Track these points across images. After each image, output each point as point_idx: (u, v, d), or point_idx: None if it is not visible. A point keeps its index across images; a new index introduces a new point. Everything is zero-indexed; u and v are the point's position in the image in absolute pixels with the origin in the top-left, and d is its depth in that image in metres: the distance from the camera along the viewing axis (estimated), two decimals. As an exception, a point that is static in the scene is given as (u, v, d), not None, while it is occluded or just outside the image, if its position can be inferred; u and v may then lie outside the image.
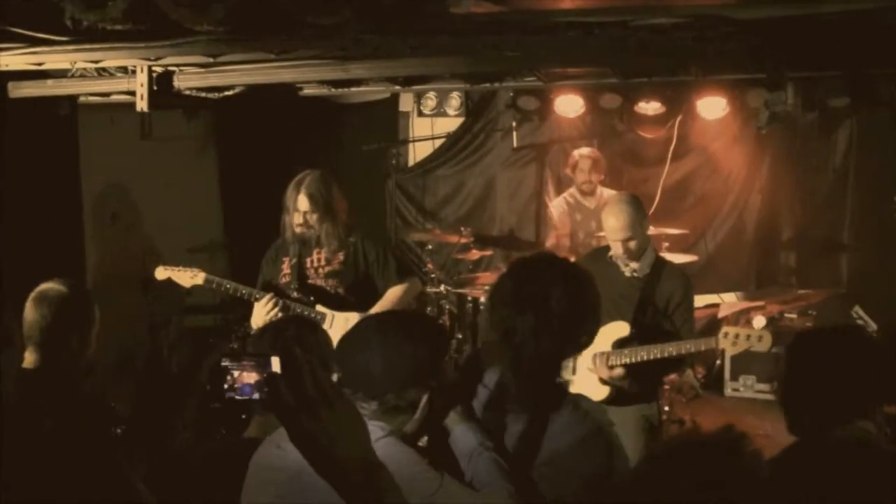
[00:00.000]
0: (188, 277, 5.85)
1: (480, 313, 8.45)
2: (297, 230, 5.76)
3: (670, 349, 5.04)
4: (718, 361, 8.79)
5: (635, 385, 5.15)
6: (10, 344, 3.76)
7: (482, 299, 8.36)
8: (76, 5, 4.70)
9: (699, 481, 1.90)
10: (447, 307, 8.56)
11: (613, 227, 5.28)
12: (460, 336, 8.56)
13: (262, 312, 5.56)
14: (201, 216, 9.64)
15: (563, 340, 2.94)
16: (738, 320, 8.64)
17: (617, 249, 5.33)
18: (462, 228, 8.72)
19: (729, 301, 8.88)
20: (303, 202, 5.69)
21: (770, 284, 9.07)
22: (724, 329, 5.09)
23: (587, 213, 8.34)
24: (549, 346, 2.91)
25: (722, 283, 9.25)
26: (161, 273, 5.93)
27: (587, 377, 5.12)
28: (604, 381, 5.12)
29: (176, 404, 2.94)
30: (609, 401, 5.14)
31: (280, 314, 5.56)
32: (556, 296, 2.90)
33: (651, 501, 1.92)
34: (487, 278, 8.27)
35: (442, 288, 8.51)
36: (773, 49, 5.05)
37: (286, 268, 5.87)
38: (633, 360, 5.02)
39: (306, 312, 5.67)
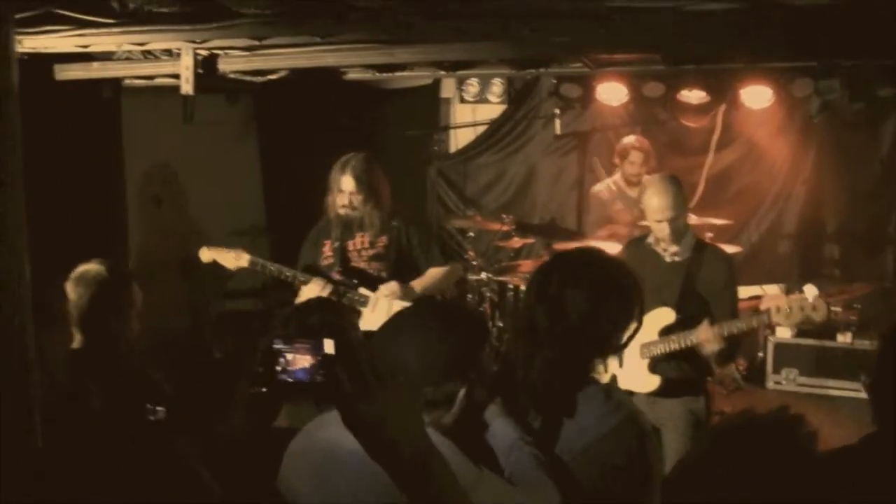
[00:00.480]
0: (232, 259, 5.87)
1: (521, 301, 8.41)
2: (341, 211, 5.77)
3: (710, 332, 4.94)
4: (760, 353, 8.72)
5: (687, 370, 5.12)
6: (57, 324, 3.76)
7: (523, 287, 8.33)
8: (123, -13, 4.70)
9: (756, 461, 1.87)
10: (488, 295, 8.53)
11: (659, 205, 5.19)
12: (501, 324, 8.54)
13: (315, 295, 5.55)
14: (243, 200, 9.65)
15: (582, 343, 2.89)
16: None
17: (661, 230, 5.24)
18: (503, 216, 8.69)
19: (772, 293, 8.81)
20: (347, 183, 5.70)
21: (814, 277, 8.96)
22: (775, 304, 4.95)
23: (628, 202, 8.29)
24: (564, 348, 2.86)
25: (765, 274, 9.18)
26: (206, 254, 5.95)
27: (635, 369, 5.09)
28: (653, 371, 5.10)
29: (226, 388, 2.93)
30: (659, 392, 5.12)
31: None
32: (574, 297, 2.86)
33: (709, 482, 1.90)
34: (528, 266, 8.24)
35: (483, 275, 8.49)
36: (825, 36, 4.97)
37: (328, 250, 5.87)
38: (682, 345, 4.97)
39: (350, 295, 5.67)
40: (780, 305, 4.91)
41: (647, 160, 8.27)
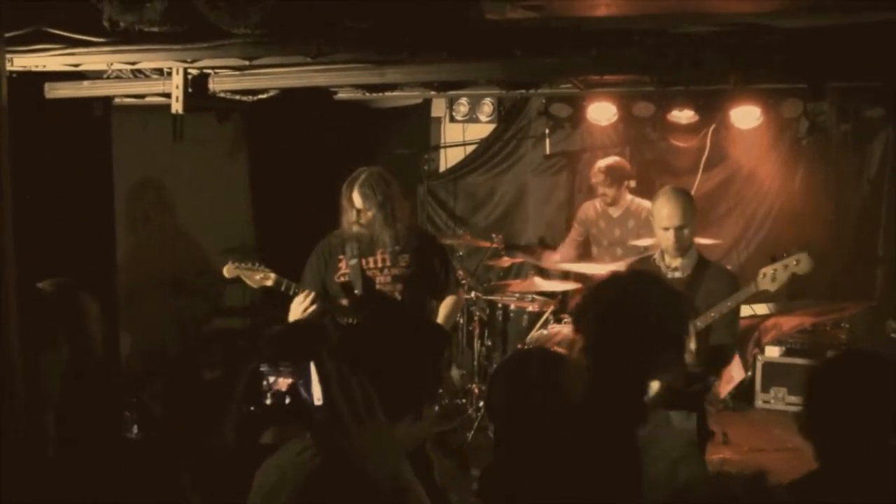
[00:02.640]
0: (258, 278, 5.82)
1: (510, 320, 8.43)
2: (354, 229, 5.73)
3: (712, 314, 5.06)
4: (749, 373, 8.72)
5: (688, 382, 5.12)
6: (54, 344, 3.74)
7: (512, 306, 8.34)
8: (114, 7, 4.69)
9: None
10: (477, 314, 8.52)
11: (669, 213, 5.32)
12: (490, 343, 8.53)
13: (300, 309, 5.54)
14: (232, 218, 9.65)
15: (628, 360, 2.90)
16: (770, 331, 8.60)
17: (666, 239, 5.34)
18: (493, 235, 8.70)
19: (761, 312, 8.82)
20: (357, 199, 5.67)
21: (803, 296, 8.98)
22: (762, 271, 5.11)
23: (611, 221, 8.34)
24: (614, 365, 2.87)
25: (754, 294, 9.18)
26: (230, 271, 5.91)
27: None
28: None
29: (217, 409, 2.92)
30: (657, 400, 5.11)
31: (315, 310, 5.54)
32: (613, 319, 2.88)
33: None
34: (518, 285, 8.24)
35: (472, 294, 8.48)
36: (815, 59, 5.00)
37: (344, 266, 5.81)
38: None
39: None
40: (765, 271, 5.08)
41: (609, 179, 8.27)
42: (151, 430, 3.06)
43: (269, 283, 5.77)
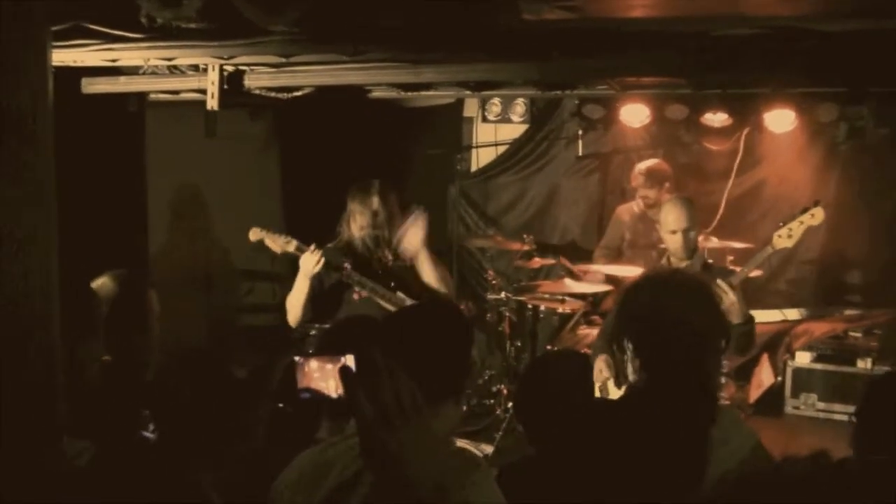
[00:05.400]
0: (282, 243, 6.00)
1: (540, 322, 8.40)
2: (363, 232, 5.87)
3: (745, 270, 5.43)
4: (779, 378, 8.66)
5: None
6: (90, 337, 3.76)
7: (542, 307, 8.32)
8: (152, 3, 4.71)
9: None
10: (507, 314, 8.51)
11: (675, 217, 5.71)
12: (519, 344, 8.51)
13: (311, 261, 5.77)
14: (263, 215, 9.63)
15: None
16: (800, 336, 8.54)
17: (675, 242, 5.71)
18: (524, 236, 8.68)
19: (792, 318, 8.76)
20: (375, 202, 5.83)
21: (835, 302, 8.92)
22: (777, 232, 5.37)
23: (650, 223, 8.29)
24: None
25: (785, 299, 9.13)
26: (255, 234, 6.11)
27: None
28: None
29: (247, 407, 2.92)
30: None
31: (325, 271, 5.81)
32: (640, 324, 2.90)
33: None
34: (548, 286, 8.21)
35: (502, 295, 8.47)
36: (855, 63, 4.97)
37: (349, 272, 5.94)
38: None
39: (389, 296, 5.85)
40: (780, 232, 5.34)
41: (650, 182, 8.28)
42: (173, 427, 3.05)
43: (291, 248, 5.94)
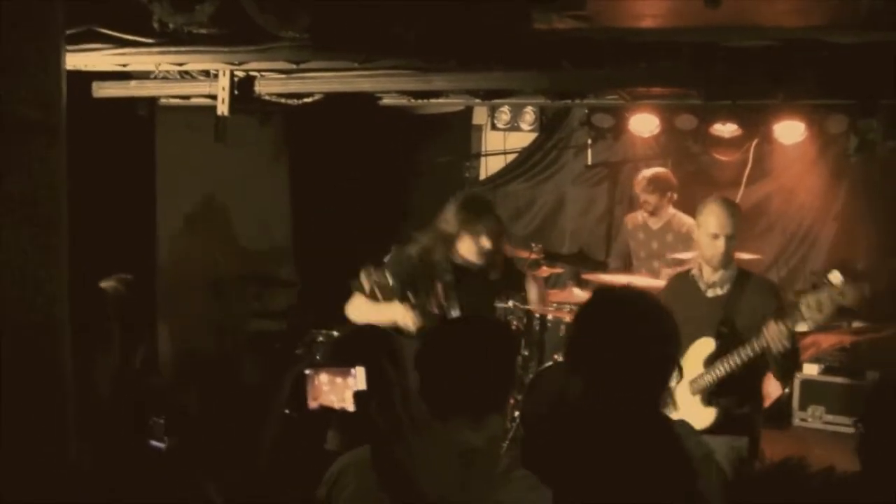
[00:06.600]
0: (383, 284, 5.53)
1: (548, 331, 8.38)
2: (474, 257, 5.66)
3: (759, 343, 4.81)
4: (787, 390, 8.64)
5: (736, 404, 5.08)
6: (110, 346, 3.74)
7: (550, 317, 8.30)
8: (164, 8, 4.74)
9: None
10: (514, 323, 8.48)
11: (721, 221, 5.12)
12: (527, 353, 8.47)
13: (405, 320, 5.35)
14: (271, 221, 9.67)
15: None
16: (808, 348, 8.52)
17: (716, 248, 5.13)
18: (532, 244, 8.65)
19: (800, 329, 8.73)
20: (485, 242, 5.59)
21: (842, 315, 8.91)
22: (803, 300, 4.71)
23: (649, 233, 8.29)
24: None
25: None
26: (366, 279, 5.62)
27: (689, 407, 5.03)
28: (708, 405, 5.04)
29: (258, 418, 2.93)
30: (716, 426, 5.01)
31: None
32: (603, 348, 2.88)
33: None
34: (556, 295, 8.20)
35: (510, 303, 8.44)
36: (865, 75, 4.96)
37: (442, 291, 5.70)
38: (742, 359, 4.87)
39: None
40: (808, 301, 4.70)
41: (651, 187, 8.21)
42: (182, 435, 3.05)
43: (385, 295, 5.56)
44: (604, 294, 3.27)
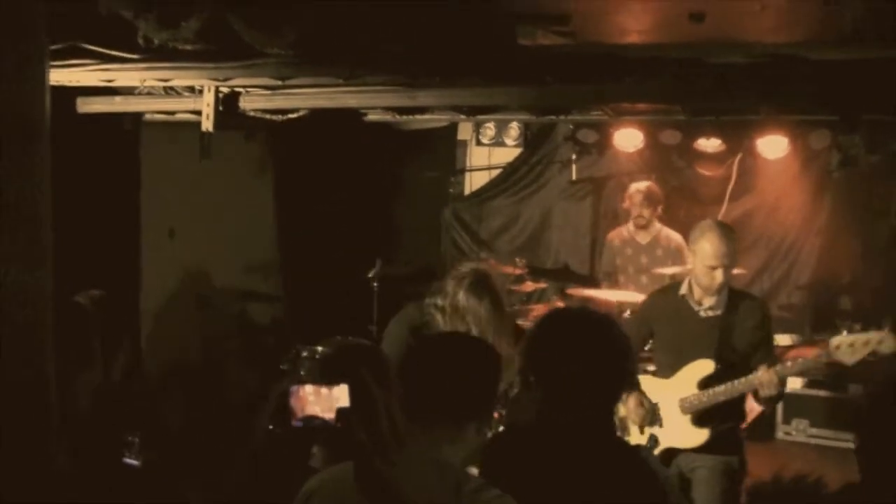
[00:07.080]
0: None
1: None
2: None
3: (749, 383, 4.79)
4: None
5: (726, 424, 5.06)
6: (91, 364, 3.71)
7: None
8: (149, 24, 4.73)
9: None
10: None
11: (720, 251, 4.90)
12: (511, 368, 8.48)
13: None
14: (256, 236, 9.65)
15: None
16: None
17: (713, 279, 4.95)
18: (517, 259, 8.67)
19: (783, 343, 8.77)
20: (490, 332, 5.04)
21: (826, 328, 8.93)
22: (835, 341, 4.60)
23: (638, 248, 8.29)
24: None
25: (777, 324, 9.11)
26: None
27: (677, 425, 5.04)
28: (700, 426, 5.01)
29: (241, 432, 2.92)
30: (706, 446, 5.00)
31: None
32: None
33: None
34: (541, 310, 8.20)
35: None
36: (847, 90, 4.98)
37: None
38: (733, 394, 4.88)
39: None
40: (842, 342, 4.60)
41: (647, 201, 8.21)
42: (162, 449, 3.04)
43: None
44: (560, 310, 3.32)
